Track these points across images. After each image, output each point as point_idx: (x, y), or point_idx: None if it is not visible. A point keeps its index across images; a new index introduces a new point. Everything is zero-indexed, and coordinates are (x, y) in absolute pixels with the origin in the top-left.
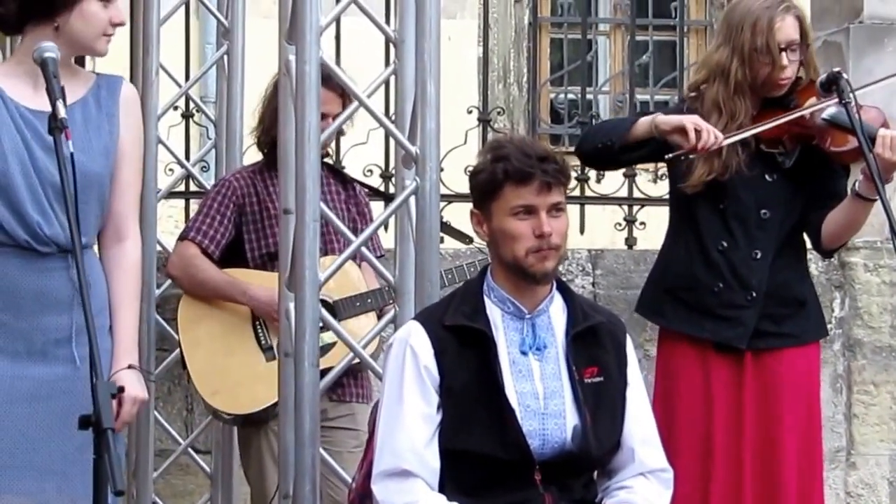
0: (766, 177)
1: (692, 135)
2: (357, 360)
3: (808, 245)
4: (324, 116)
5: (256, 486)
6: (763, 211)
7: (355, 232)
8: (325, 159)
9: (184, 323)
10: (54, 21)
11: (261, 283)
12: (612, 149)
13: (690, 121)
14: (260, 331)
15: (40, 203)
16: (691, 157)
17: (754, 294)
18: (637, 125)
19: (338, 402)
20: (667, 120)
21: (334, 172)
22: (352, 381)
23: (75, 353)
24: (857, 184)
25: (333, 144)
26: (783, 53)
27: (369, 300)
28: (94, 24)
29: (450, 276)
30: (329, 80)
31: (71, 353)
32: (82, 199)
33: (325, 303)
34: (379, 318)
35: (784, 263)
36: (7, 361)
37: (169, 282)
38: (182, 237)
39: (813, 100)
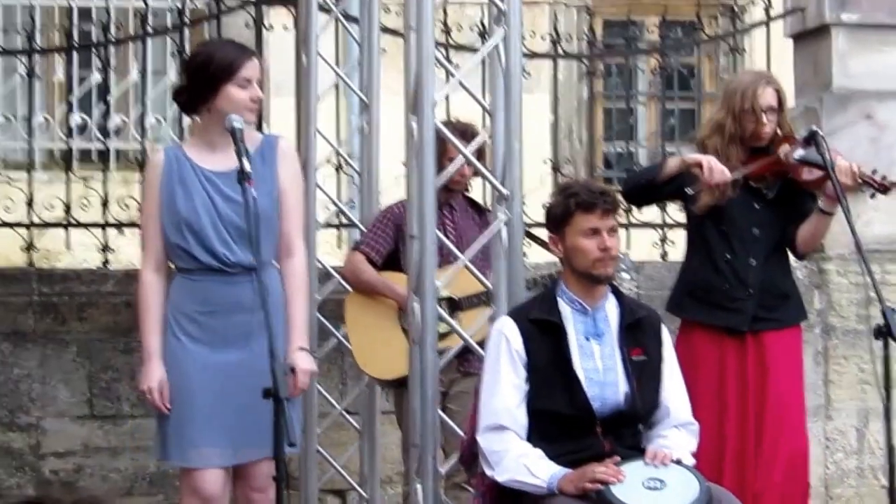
0: (755, 205)
1: (706, 169)
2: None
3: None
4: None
5: (406, 434)
6: (754, 230)
7: (486, 249)
8: (466, 193)
9: (349, 312)
10: (208, 103)
11: (405, 284)
12: (653, 183)
13: (706, 158)
14: (403, 319)
15: (224, 240)
16: (702, 191)
17: (751, 291)
18: (669, 163)
19: (464, 374)
20: (691, 156)
21: (472, 204)
22: (475, 357)
23: (255, 344)
24: (820, 202)
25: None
26: (764, 114)
27: (484, 297)
28: (236, 103)
29: (530, 285)
30: (465, 135)
31: (257, 342)
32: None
33: (451, 299)
34: None
35: (772, 267)
36: (207, 349)
37: (330, 289)
38: (354, 248)
39: (787, 146)
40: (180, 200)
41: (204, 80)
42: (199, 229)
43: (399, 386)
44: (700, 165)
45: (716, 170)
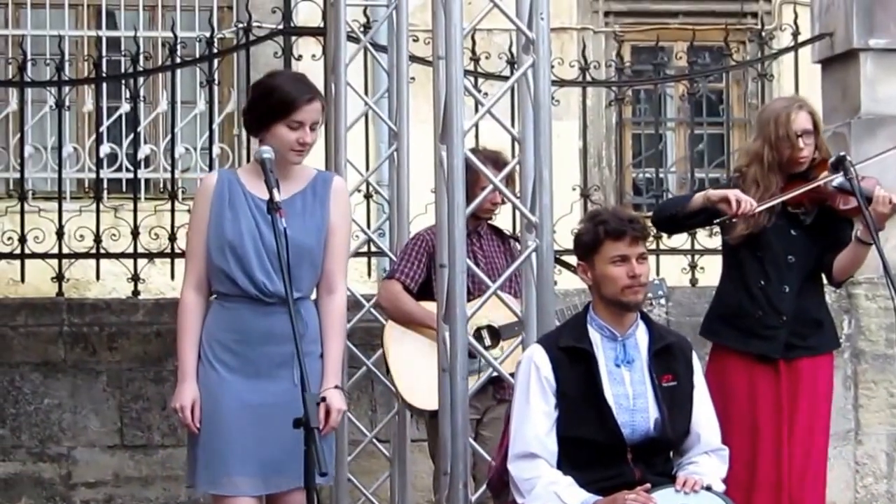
0: (792, 231)
1: (734, 203)
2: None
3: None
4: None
5: (438, 464)
6: (790, 257)
7: (515, 276)
8: (490, 221)
9: (388, 342)
10: (260, 134)
11: None
12: (677, 216)
13: (733, 193)
14: None
15: (265, 267)
16: (733, 220)
17: (785, 318)
18: (694, 199)
19: (500, 401)
20: (715, 193)
21: (496, 231)
22: (508, 384)
23: (294, 375)
24: (857, 231)
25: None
26: (800, 139)
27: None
28: (282, 142)
29: (567, 313)
30: (496, 163)
31: (290, 374)
32: (296, 264)
33: (491, 328)
34: None
35: (806, 294)
36: (242, 380)
37: (357, 316)
38: (388, 276)
39: (825, 173)
40: (227, 223)
41: (259, 113)
42: (243, 254)
43: (435, 416)
44: (726, 201)
45: (743, 202)
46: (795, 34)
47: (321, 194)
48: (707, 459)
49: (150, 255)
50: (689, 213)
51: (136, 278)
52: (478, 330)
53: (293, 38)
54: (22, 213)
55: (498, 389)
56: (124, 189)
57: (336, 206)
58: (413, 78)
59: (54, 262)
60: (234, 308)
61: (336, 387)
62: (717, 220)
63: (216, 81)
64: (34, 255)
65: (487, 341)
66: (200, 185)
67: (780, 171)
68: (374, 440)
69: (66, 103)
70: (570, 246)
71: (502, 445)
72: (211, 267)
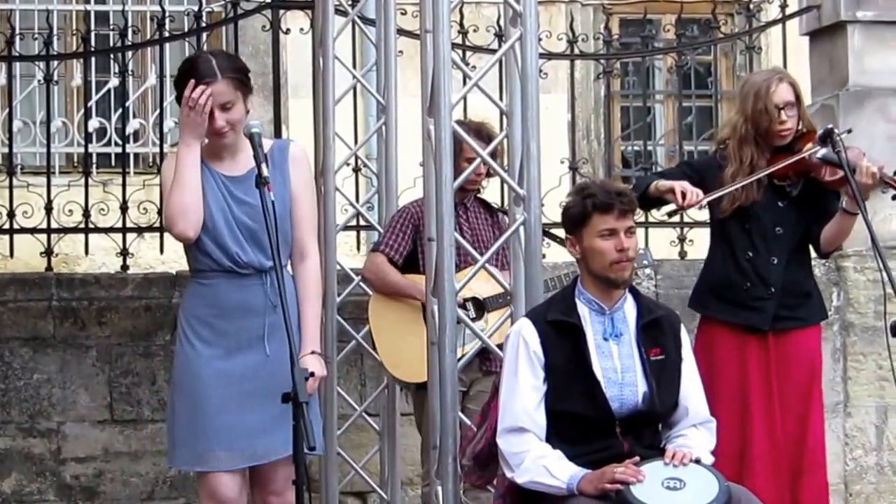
0: (779, 203)
1: (678, 195)
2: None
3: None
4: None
5: (425, 436)
6: (777, 228)
7: (502, 250)
8: (478, 195)
9: (373, 314)
10: None
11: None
12: (641, 199)
13: (679, 185)
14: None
15: (238, 239)
16: (678, 212)
17: (773, 290)
18: (650, 186)
19: (486, 374)
20: (664, 184)
21: (484, 205)
22: (495, 356)
23: (266, 347)
24: (843, 202)
25: (484, 183)
26: (781, 111)
27: (509, 297)
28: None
29: (553, 284)
30: (479, 134)
31: (264, 346)
32: (266, 234)
33: (476, 300)
34: None
35: (794, 266)
36: (221, 353)
37: (347, 290)
38: (374, 249)
39: (810, 145)
40: None
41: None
42: (213, 226)
43: (420, 388)
44: (672, 192)
45: (688, 193)
46: (783, 6)
47: (279, 163)
48: (696, 432)
49: (139, 230)
50: (646, 199)
51: (125, 253)
52: (462, 302)
53: (281, 11)
54: (10, 187)
55: (484, 361)
56: (113, 163)
57: (296, 172)
58: (401, 51)
59: (43, 236)
60: (210, 284)
61: (314, 352)
62: (668, 211)
63: None
64: (23, 230)
65: (472, 313)
66: (166, 161)
67: (756, 145)
68: (364, 414)
69: (55, 78)
70: (559, 219)
71: (488, 419)
72: (186, 245)
